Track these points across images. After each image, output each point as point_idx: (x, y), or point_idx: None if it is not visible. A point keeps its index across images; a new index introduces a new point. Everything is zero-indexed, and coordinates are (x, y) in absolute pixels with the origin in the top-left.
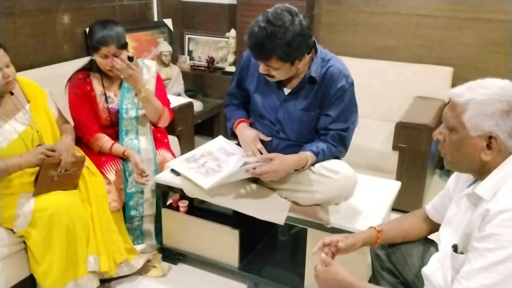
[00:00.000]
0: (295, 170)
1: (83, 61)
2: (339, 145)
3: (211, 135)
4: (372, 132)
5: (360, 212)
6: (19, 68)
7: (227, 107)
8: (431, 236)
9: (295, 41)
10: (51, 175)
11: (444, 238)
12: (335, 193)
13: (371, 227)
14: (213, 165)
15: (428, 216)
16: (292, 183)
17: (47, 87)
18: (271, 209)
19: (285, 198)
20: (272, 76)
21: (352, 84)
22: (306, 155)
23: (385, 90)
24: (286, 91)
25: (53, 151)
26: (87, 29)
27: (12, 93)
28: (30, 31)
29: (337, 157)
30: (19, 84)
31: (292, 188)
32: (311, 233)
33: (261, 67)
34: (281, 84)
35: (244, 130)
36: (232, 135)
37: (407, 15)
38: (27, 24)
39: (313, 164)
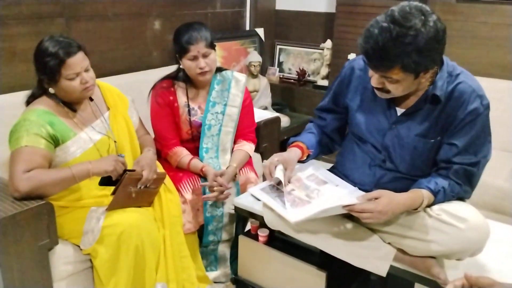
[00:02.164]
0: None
1: (171, 69)
2: (464, 184)
3: None
4: (492, 165)
5: (488, 270)
6: (105, 74)
7: (310, 124)
8: None
9: (428, 48)
10: (130, 191)
11: None
12: (460, 247)
13: None
14: (302, 194)
15: None
16: (400, 226)
17: (132, 94)
18: (371, 256)
19: (389, 243)
20: (387, 92)
21: (487, 107)
22: (422, 193)
23: (509, 115)
24: (399, 111)
25: (124, 164)
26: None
27: (91, 99)
28: (120, 36)
29: (461, 199)
30: (100, 89)
31: (400, 233)
32: None
33: (374, 79)
34: (392, 102)
35: (289, 152)
36: None
37: None
38: (117, 28)
39: (429, 206)
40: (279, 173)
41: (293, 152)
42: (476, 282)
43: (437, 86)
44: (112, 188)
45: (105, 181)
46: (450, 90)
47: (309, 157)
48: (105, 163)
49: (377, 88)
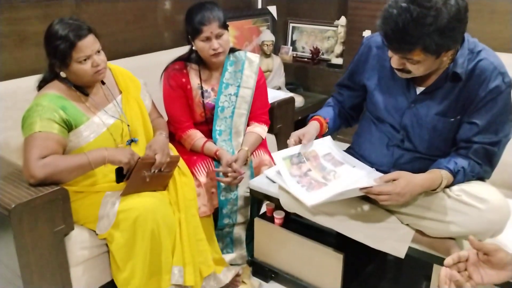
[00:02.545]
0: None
1: (182, 50)
2: (484, 163)
3: None
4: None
5: (509, 251)
6: (116, 56)
7: (330, 98)
8: None
9: (449, 28)
10: (144, 175)
11: None
12: (480, 228)
13: None
14: (318, 176)
15: None
16: (418, 207)
17: (144, 76)
18: (389, 238)
19: (407, 225)
20: (408, 72)
21: (509, 85)
22: (441, 174)
23: None
24: (418, 89)
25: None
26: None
27: (103, 83)
28: (130, 17)
29: (481, 179)
30: (112, 73)
31: (419, 214)
32: (438, 271)
33: (394, 60)
34: (411, 80)
35: (307, 127)
36: None
37: None
38: (128, 9)
39: (448, 186)
40: (279, 163)
41: (311, 126)
42: (480, 246)
43: (458, 64)
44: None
45: (120, 175)
46: (471, 68)
47: (329, 129)
48: (121, 153)
49: (398, 69)
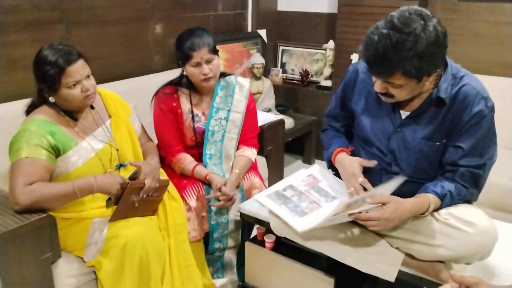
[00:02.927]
0: None
1: (173, 73)
2: (471, 186)
3: (301, 153)
4: (497, 163)
5: (498, 273)
6: (107, 79)
7: (325, 132)
8: None
9: (428, 53)
10: (132, 200)
11: None
12: (469, 251)
13: None
14: (307, 204)
15: None
16: (407, 231)
17: (134, 99)
18: (379, 261)
19: (396, 248)
20: (391, 96)
21: (492, 109)
22: (428, 198)
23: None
24: (404, 114)
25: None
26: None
27: (92, 107)
28: (121, 40)
29: (468, 201)
30: (101, 97)
31: (407, 237)
32: None
33: (377, 85)
34: (396, 105)
35: (344, 161)
36: (330, 167)
37: None
38: (118, 33)
39: (436, 210)
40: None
41: (348, 161)
42: (461, 280)
43: (441, 89)
44: None
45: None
46: (455, 93)
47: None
48: (110, 184)
49: (381, 93)
